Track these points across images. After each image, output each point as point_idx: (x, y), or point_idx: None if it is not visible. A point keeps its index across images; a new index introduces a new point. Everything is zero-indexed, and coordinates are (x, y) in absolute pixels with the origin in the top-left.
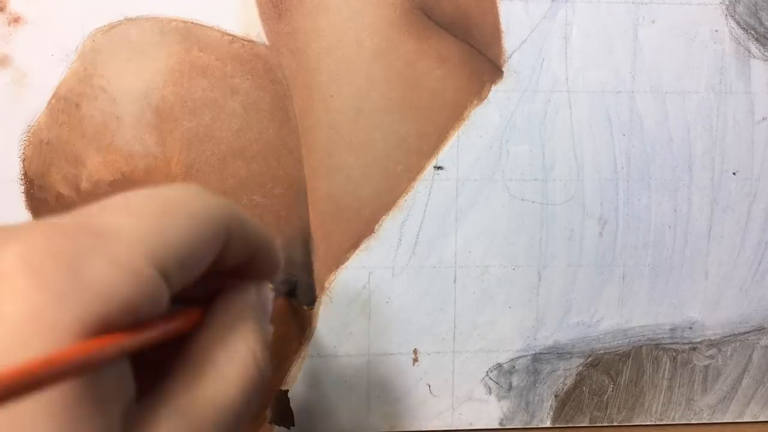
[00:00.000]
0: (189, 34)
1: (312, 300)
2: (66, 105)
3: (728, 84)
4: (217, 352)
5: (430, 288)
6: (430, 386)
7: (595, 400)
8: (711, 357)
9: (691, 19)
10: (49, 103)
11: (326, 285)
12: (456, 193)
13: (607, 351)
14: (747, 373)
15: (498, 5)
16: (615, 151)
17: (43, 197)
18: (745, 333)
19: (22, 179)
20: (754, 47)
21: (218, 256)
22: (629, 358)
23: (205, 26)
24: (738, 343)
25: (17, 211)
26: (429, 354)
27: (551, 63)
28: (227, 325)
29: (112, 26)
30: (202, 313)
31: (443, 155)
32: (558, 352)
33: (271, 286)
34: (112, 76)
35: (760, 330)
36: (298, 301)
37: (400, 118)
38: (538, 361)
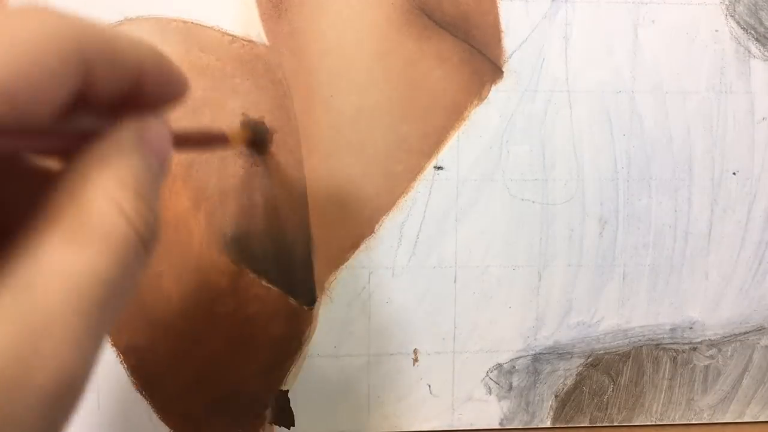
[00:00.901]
0: (189, 34)
1: (312, 300)
2: None
3: (728, 84)
4: (66, 208)
5: (430, 288)
6: (430, 386)
7: (596, 400)
8: (711, 357)
9: (691, 19)
10: None
11: (326, 285)
12: (456, 193)
13: (608, 351)
14: (747, 373)
15: (498, 5)
16: (615, 151)
17: None
18: (745, 333)
19: None
20: (754, 47)
21: (83, 88)
22: (629, 358)
23: (205, 26)
24: (738, 343)
25: None
26: (429, 354)
27: (551, 63)
28: (80, 174)
29: (113, 26)
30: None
31: (443, 155)
32: (558, 352)
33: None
34: None
35: (760, 330)
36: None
37: (401, 118)
38: (538, 361)
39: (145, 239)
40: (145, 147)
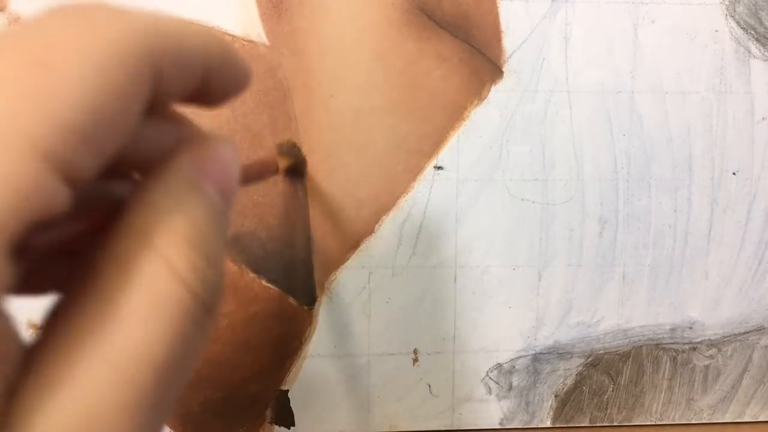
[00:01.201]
0: None
1: (312, 300)
2: None
3: (728, 84)
4: (112, 279)
5: (430, 288)
6: (430, 386)
7: (595, 400)
8: (711, 357)
9: (691, 19)
10: None
11: (326, 285)
12: (456, 193)
13: (607, 351)
14: (747, 373)
15: (498, 5)
16: (615, 151)
17: None
18: (745, 333)
19: None
20: (754, 47)
21: (150, 99)
22: (629, 358)
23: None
24: (738, 343)
25: None
26: (429, 354)
27: (551, 63)
28: (126, 231)
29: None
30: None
31: (443, 155)
32: (558, 352)
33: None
34: None
35: (760, 330)
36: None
37: (401, 118)
38: (538, 361)
39: (206, 301)
40: (205, 182)
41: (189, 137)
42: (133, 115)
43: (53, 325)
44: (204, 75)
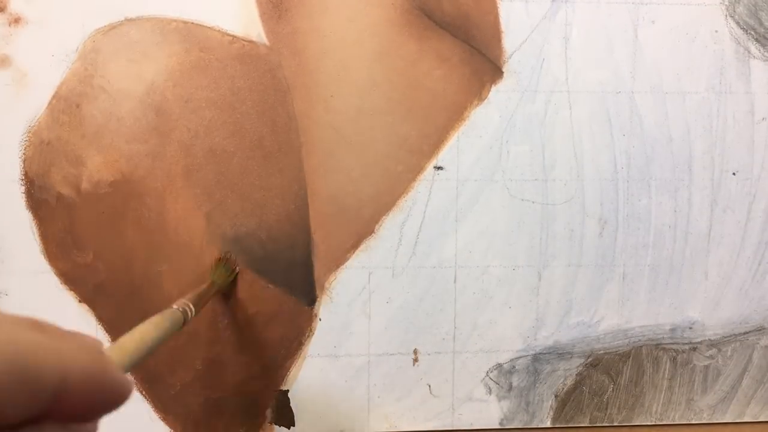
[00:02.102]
0: (189, 34)
1: (312, 300)
2: (66, 105)
3: (728, 84)
4: None
5: (430, 288)
6: (430, 386)
7: (595, 400)
8: (711, 357)
9: (691, 19)
10: (50, 103)
11: (326, 285)
12: (456, 193)
13: (607, 351)
14: (747, 373)
15: (498, 5)
16: (615, 151)
17: (43, 197)
18: (745, 333)
19: (22, 179)
20: (754, 47)
21: None
22: (629, 358)
23: (206, 27)
24: (738, 343)
25: (17, 211)
26: (429, 354)
27: (551, 63)
28: None
29: (113, 27)
30: None
31: (443, 155)
32: (558, 352)
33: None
34: (113, 77)
35: (760, 330)
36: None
37: (401, 118)
38: (538, 361)
39: None
40: None
41: None
42: None
43: None
44: (57, 397)
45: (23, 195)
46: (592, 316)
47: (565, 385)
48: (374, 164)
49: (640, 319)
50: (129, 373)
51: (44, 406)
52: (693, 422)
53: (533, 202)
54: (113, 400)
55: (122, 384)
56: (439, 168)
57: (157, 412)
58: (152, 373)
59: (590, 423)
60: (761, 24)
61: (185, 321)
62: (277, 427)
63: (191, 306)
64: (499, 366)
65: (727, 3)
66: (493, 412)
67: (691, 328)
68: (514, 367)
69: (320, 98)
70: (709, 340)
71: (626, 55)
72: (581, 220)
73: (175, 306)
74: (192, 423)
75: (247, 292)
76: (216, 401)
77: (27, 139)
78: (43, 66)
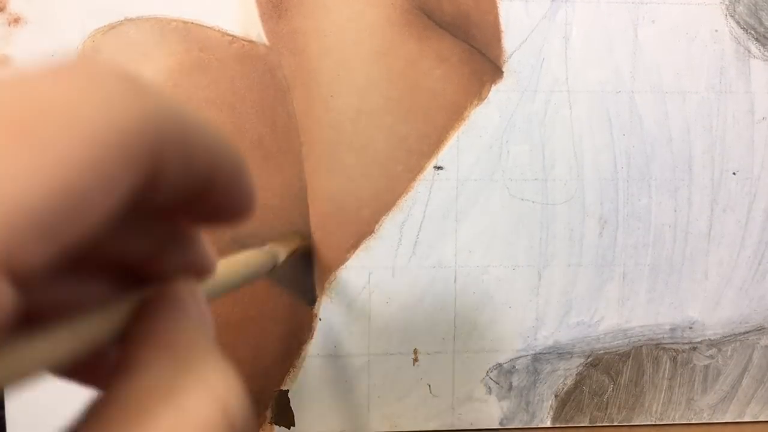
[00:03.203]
0: (189, 34)
1: (312, 300)
2: None
3: (728, 84)
4: (163, 415)
5: (430, 288)
6: (430, 386)
7: (596, 400)
8: (711, 357)
9: (691, 19)
10: None
11: (326, 285)
12: (456, 193)
13: (607, 351)
14: (747, 372)
15: (498, 5)
16: (615, 151)
17: None
18: (745, 333)
19: None
20: (754, 47)
21: (139, 192)
22: (629, 358)
23: (205, 27)
24: (738, 343)
25: None
26: (429, 354)
27: (551, 63)
28: (172, 365)
29: (112, 26)
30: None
31: (443, 155)
32: (558, 352)
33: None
34: None
35: (760, 330)
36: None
37: (401, 118)
38: (538, 361)
39: None
40: (209, 320)
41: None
42: (113, 207)
43: (93, 419)
44: (206, 183)
45: None
46: (592, 316)
47: (565, 385)
48: (374, 164)
49: (640, 318)
50: None
51: (196, 190)
52: (693, 422)
53: (533, 202)
54: (247, 202)
55: (255, 188)
56: (439, 168)
57: None
58: None
59: (590, 423)
60: (761, 24)
61: (273, 268)
62: (277, 427)
63: (281, 255)
64: (499, 366)
65: (727, 3)
66: (493, 412)
67: (691, 327)
68: (514, 367)
69: (320, 98)
70: (709, 339)
71: (626, 55)
72: (581, 220)
73: (267, 247)
74: None
75: (247, 292)
76: None
77: None
78: None
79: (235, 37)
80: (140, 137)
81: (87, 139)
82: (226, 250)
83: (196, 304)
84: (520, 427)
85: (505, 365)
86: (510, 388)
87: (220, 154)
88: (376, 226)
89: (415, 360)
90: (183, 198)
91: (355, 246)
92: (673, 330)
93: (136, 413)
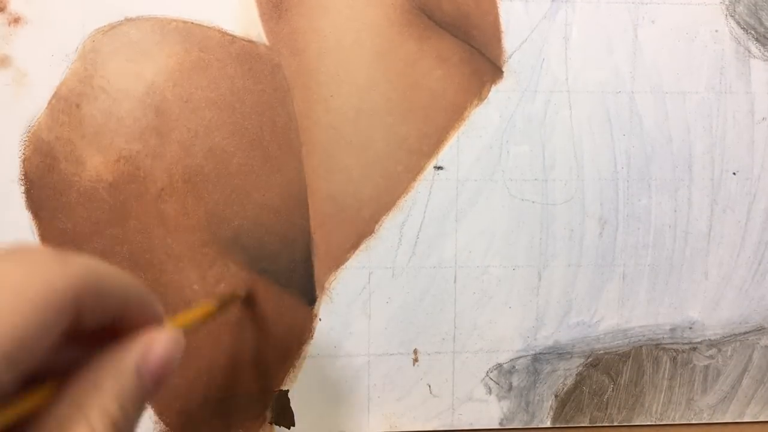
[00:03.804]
0: (189, 34)
1: (312, 299)
2: (66, 105)
3: (728, 84)
4: None
5: (430, 288)
6: (430, 386)
7: (595, 400)
8: (711, 357)
9: (691, 19)
10: (50, 103)
11: (326, 285)
12: (456, 193)
13: (607, 351)
14: (747, 373)
15: (498, 5)
16: (615, 151)
17: (43, 198)
18: (745, 333)
19: (22, 180)
20: (754, 47)
21: (71, 325)
22: (629, 358)
23: (205, 26)
24: (738, 343)
25: (17, 211)
26: (429, 354)
27: (551, 63)
28: (66, 405)
29: (113, 26)
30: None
31: (443, 155)
32: (558, 352)
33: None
34: (113, 77)
35: (760, 330)
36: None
37: (401, 118)
38: (538, 361)
39: None
40: (145, 368)
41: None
42: (52, 340)
43: None
44: (120, 312)
45: (23, 195)
46: (592, 316)
47: (565, 385)
48: (374, 164)
49: (640, 319)
50: None
51: (111, 320)
52: (693, 422)
53: (533, 202)
54: (156, 318)
55: (159, 306)
56: (439, 168)
57: (156, 412)
58: None
59: (590, 423)
60: (761, 24)
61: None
62: (277, 427)
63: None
64: (499, 366)
65: (727, 3)
66: (493, 412)
67: (691, 328)
68: (514, 367)
69: (320, 98)
70: (709, 340)
71: (626, 55)
72: (581, 220)
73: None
74: (192, 423)
75: (247, 292)
76: (216, 401)
77: (27, 139)
78: (43, 66)
79: (235, 37)
80: (63, 296)
81: (29, 305)
82: (227, 251)
83: (114, 359)
84: (520, 427)
85: (505, 365)
86: (510, 388)
87: (129, 293)
88: (376, 226)
89: (415, 360)
90: (105, 324)
91: (355, 246)
92: (673, 330)
93: None
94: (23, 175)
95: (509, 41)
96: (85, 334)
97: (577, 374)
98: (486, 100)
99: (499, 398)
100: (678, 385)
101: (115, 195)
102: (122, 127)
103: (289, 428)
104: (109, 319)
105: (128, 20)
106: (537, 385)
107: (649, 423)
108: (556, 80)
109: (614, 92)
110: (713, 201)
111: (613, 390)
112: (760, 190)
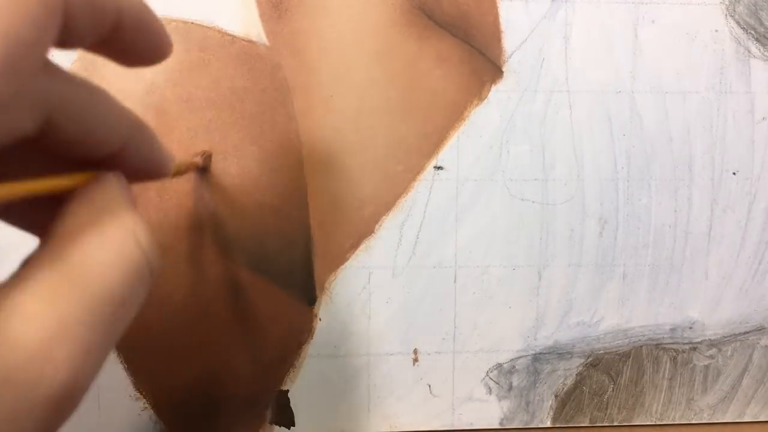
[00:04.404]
0: (189, 34)
1: (312, 299)
2: None
3: (728, 84)
4: (90, 234)
5: (430, 288)
6: (430, 386)
7: (596, 400)
8: (711, 357)
9: (691, 19)
10: None
11: (326, 285)
12: (456, 193)
13: (607, 351)
14: (747, 373)
15: (498, 5)
16: (615, 151)
17: None
18: (745, 333)
19: None
20: (754, 47)
21: (60, 28)
22: (629, 358)
23: (205, 26)
24: (738, 343)
25: None
26: (429, 354)
27: (551, 63)
28: (100, 207)
29: None
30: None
31: (443, 155)
32: (558, 352)
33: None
34: (112, 77)
35: (760, 330)
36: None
37: (400, 118)
38: (538, 361)
39: (152, 264)
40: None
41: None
42: (47, 40)
43: (33, 262)
44: (115, 24)
45: None
46: (592, 316)
47: (565, 385)
48: (374, 164)
49: (640, 319)
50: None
51: (105, 31)
52: (693, 422)
53: (533, 202)
54: (161, 47)
55: (167, 34)
56: (439, 168)
57: (156, 413)
58: (152, 373)
59: (590, 423)
60: (761, 24)
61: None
62: (277, 427)
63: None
64: (499, 366)
65: (727, 3)
66: (493, 412)
67: (691, 328)
68: (514, 367)
69: (320, 98)
70: (709, 340)
71: (626, 55)
72: (581, 220)
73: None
74: (192, 423)
75: (247, 292)
76: (216, 401)
77: None
78: None
79: (235, 37)
80: None
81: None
82: (226, 251)
83: (118, 181)
84: (520, 427)
85: (505, 365)
86: (510, 388)
87: (121, 5)
88: (376, 226)
89: (415, 360)
90: (97, 35)
91: (355, 246)
92: (673, 330)
93: (69, 245)
94: None
95: (509, 41)
96: (77, 46)
97: (577, 374)
98: (486, 100)
99: (499, 398)
100: (678, 385)
101: None
102: None
103: (289, 428)
104: (102, 31)
105: None
106: (537, 385)
107: (649, 423)
108: (556, 80)
109: (614, 92)
110: (713, 201)
111: (613, 390)
112: (760, 190)
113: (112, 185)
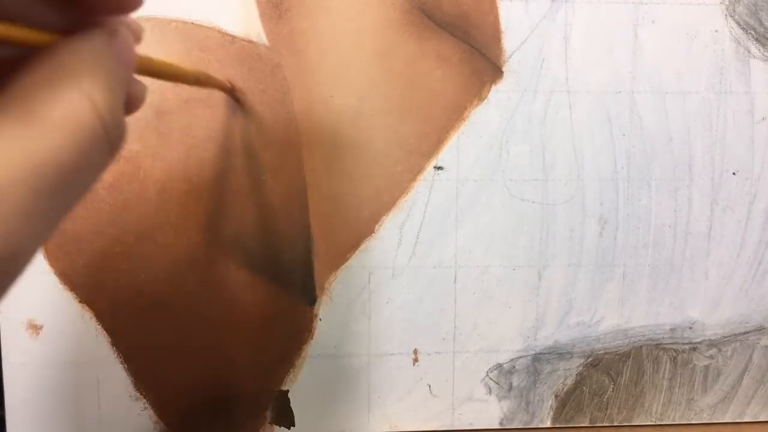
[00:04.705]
0: (189, 34)
1: (312, 299)
2: None
3: (728, 84)
4: (40, 92)
5: (430, 288)
6: (430, 386)
7: (596, 400)
8: (711, 357)
9: (691, 19)
10: None
11: (326, 285)
12: (456, 193)
13: (607, 351)
14: (747, 373)
15: (498, 5)
16: (615, 151)
17: None
18: (745, 333)
19: None
20: (754, 47)
21: None
22: (629, 358)
23: (205, 27)
24: (738, 343)
25: None
26: (429, 354)
27: (551, 63)
28: (56, 63)
29: None
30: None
31: (443, 155)
32: (558, 352)
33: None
34: None
35: (760, 330)
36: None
37: (400, 118)
38: (538, 361)
39: (111, 135)
40: (114, 53)
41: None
42: None
43: None
44: None
45: None
46: (592, 316)
47: (565, 385)
48: (374, 164)
49: (640, 319)
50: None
51: None
52: (693, 422)
53: (533, 202)
54: None
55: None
56: (439, 168)
57: (156, 412)
58: (152, 373)
59: (590, 423)
60: (761, 24)
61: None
62: (277, 427)
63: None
64: (499, 366)
65: (727, 3)
66: (493, 412)
67: (691, 328)
68: (514, 367)
69: (320, 98)
70: (709, 340)
71: (626, 55)
72: (581, 220)
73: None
74: (192, 423)
75: (247, 292)
76: (216, 401)
77: None
78: None
79: (235, 37)
80: None
81: None
82: (227, 251)
83: (101, 43)
84: (520, 427)
85: (505, 365)
86: (510, 388)
87: None
88: (376, 226)
89: (415, 360)
90: None
91: (355, 246)
92: (673, 330)
93: (18, 99)
94: None
95: (509, 41)
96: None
97: (577, 374)
98: (486, 100)
99: (499, 398)
100: (678, 385)
101: (115, 195)
102: None
103: (289, 428)
104: None
105: None
106: (537, 385)
107: (649, 423)
108: (556, 80)
109: (614, 92)
110: (713, 201)
111: (613, 390)
112: (760, 190)
113: (88, 46)
